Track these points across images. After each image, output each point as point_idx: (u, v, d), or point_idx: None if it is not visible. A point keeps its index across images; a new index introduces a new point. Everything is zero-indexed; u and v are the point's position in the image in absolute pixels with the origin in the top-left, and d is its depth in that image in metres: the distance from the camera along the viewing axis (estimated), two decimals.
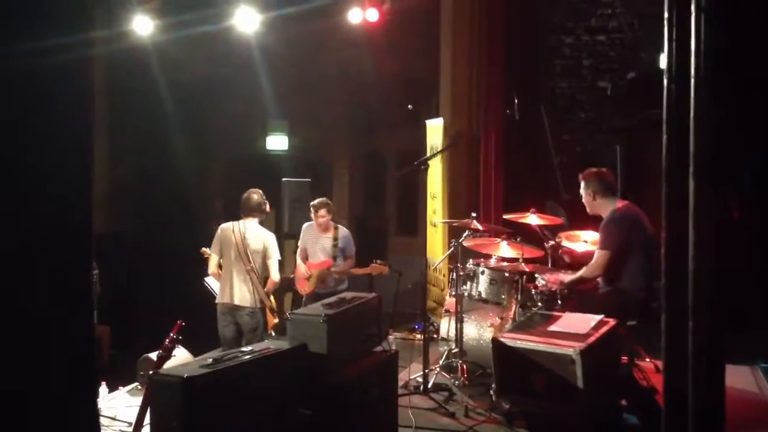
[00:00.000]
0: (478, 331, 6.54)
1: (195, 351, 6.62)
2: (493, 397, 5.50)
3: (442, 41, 9.08)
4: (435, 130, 8.93)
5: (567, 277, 6.06)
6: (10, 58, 2.50)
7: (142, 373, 6.47)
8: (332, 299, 4.92)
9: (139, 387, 6.41)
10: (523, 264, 6.36)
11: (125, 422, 5.56)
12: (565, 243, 6.75)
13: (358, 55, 10.35)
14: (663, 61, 7.03)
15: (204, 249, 7.16)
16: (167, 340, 4.36)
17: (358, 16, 8.89)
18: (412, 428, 5.31)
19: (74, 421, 2.84)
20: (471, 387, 6.20)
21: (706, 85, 1.80)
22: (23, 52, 2.54)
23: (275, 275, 6.71)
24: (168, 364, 4.37)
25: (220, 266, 6.78)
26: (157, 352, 4.45)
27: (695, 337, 1.82)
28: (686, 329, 1.85)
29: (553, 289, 5.95)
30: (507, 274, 6.44)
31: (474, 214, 6.87)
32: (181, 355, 5.97)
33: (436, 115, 9.09)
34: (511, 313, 6.33)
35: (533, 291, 6.12)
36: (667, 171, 1.94)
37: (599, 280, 5.90)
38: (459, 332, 6.45)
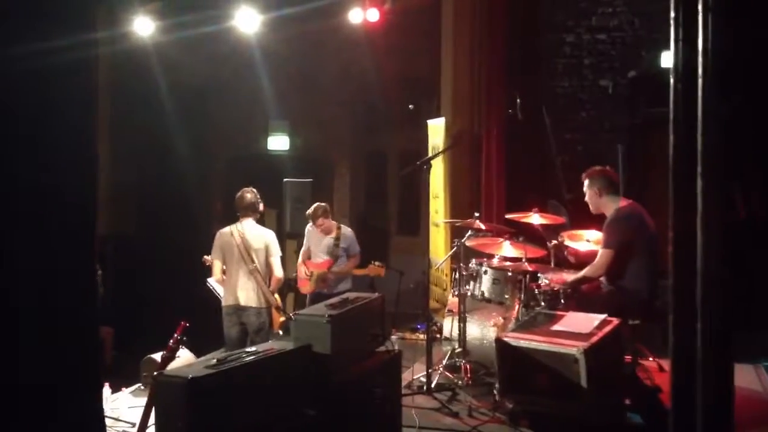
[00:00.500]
0: (481, 330, 6.53)
1: (198, 352, 6.62)
2: (497, 397, 5.50)
3: (443, 41, 9.08)
4: (436, 130, 8.92)
5: (570, 276, 6.05)
6: (13, 58, 2.50)
7: (145, 373, 6.47)
8: (335, 299, 4.91)
9: (142, 388, 6.41)
10: (526, 263, 6.35)
11: (128, 423, 5.57)
12: (567, 242, 6.75)
13: (359, 55, 10.36)
14: (665, 60, 7.05)
15: (206, 257, 7.13)
16: (171, 341, 4.36)
17: (359, 16, 8.90)
18: (415, 428, 5.31)
19: (79, 420, 2.84)
20: (474, 387, 6.20)
21: (714, 84, 1.80)
22: (27, 52, 2.54)
23: (279, 272, 6.72)
24: (172, 365, 4.37)
25: (224, 271, 6.77)
26: (160, 353, 4.44)
27: (704, 338, 1.82)
28: (694, 330, 1.85)
29: (556, 289, 5.95)
30: (510, 274, 6.43)
31: (477, 214, 6.87)
32: (184, 356, 5.97)
33: (438, 115, 9.09)
34: (514, 312, 6.32)
35: (536, 290, 6.11)
36: (675, 170, 1.93)
37: (602, 279, 5.90)
38: (462, 332, 6.45)
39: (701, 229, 1.81)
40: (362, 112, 11.69)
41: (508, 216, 7.30)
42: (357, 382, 4.53)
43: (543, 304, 5.99)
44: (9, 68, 2.50)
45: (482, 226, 6.73)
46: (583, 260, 6.28)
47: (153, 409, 3.79)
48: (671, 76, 1.95)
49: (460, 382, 6.26)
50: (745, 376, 6.23)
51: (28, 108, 2.61)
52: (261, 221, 6.94)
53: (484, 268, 6.57)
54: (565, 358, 4.61)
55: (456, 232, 7.46)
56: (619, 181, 6.14)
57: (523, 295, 6.28)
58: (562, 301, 5.88)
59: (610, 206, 5.86)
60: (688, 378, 1.87)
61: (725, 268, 1.81)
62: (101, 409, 3.38)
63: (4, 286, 2.54)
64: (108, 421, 5.51)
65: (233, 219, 6.89)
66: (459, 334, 6.48)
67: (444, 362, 6.60)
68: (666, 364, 6.29)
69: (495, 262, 6.70)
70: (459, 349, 6.49)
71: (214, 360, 3.75)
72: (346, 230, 7.92)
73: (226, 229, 6.75)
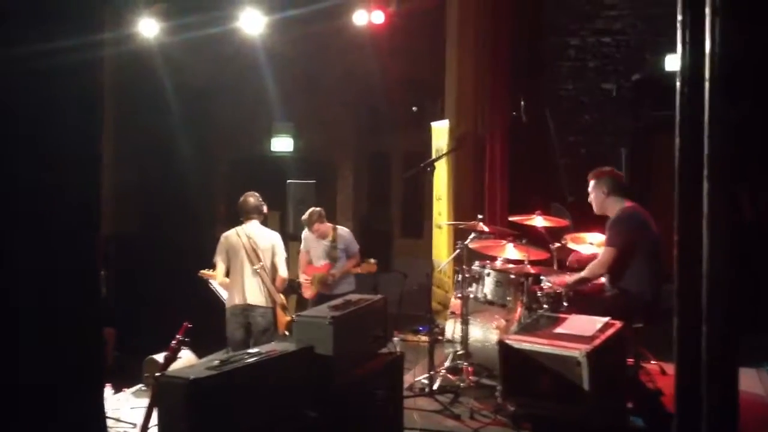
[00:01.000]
0: (484, 333, 6.52)
1: (200, 353, 6.62)
2: (499, 400, 5.49)
3: (447, 43, 9.08)
4: (440, 132, 8.92)
5: (572, 277, 6.03)
6: (18, 59, 2.51)
7: (146, 374, 6.47)
8: (338, 301, 4.91)
9: (144, 388, 6.41)
10: (528, 266, 6.34)
11: (130, 423, 5.56)
12: (570, 245, 6.74)
13: (364, 57, 10.36)
14: (669, 63, 7.02)
15: (202, 272, 7.12)
16: (173, 341, 4.36)
17: (363, 18, 8.90)
18: (417, 430, 5.30)
19: (80, 420, 2.84)
20: (476, 389, 6.19)
21: (721, 88, 1.80)
22: (31, 53, 2.54)
23: (283, 272, 6.73)
24: (174, 366, 4.37)
25: (226, 274, 6.76)
26: (163, 354, 4.45)
27: (709, 341, 1.81)
28: (699, 333, 1.84)
29: (559, 291, 5.94)
30: (513, 276, 6.42)
31: (480, 216, 6.86)
32: (186, 357, 5.97)
33: (442, 117, 9.09)
34: (517, 315, 6.31)
35: (539, 293, 6.10)
36: (680, 173, 1.93)
37: (605, 282, 5.89)
38: (464, 334, 6.44)
39: (707, 231, 1.80)
40: (366, 113, 11.70)
41: (511, 218, 7.29)
42: (359, 383, 4.52)
43: (545, 306, 5.97)
44: (13, 68, 2.51)
45: (485, 229, 6.72)
46: (585, 264, 6.26)
47: (155, 409, 3.79)
48: (678, 79, 1.95)
49: (462, 384, 6.25)
50: (747, 380, 6.22)
51: (31, 108, 2.61)
52: (264, 223, 6.94)
53: (486, 271, 6.56)
54: (568, 361, 4.60)
55: (459, 235, 7.46)
56: (625, 184, 6.12)
57: (525, 298, 6.27)
58: (565, 303, 5.87)
59: (614, 207, 5.85)
60: (693, 381, 1.86)
61: (731, 271, 1.81)
62: (102, 409, 3.38)
63: (4, 286, 2.54)
64: (109, 422, 5.51)
65: (236, 220, 6.89)
66: (461, 337, 6.47)
67: (446, 364, 6.59)
68: (668, 367, 6.28)
69: (498, 264, 6.69)
70: (461, 352, 6.48)
71: (217, 361, 3.75)
72: (342, 230, 7.90)
73: (231, 231, 6.76)
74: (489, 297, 6.52)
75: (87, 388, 2.96)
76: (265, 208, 6.90)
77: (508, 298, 6.46)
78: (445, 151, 8.44)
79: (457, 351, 6.57)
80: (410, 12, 9.19)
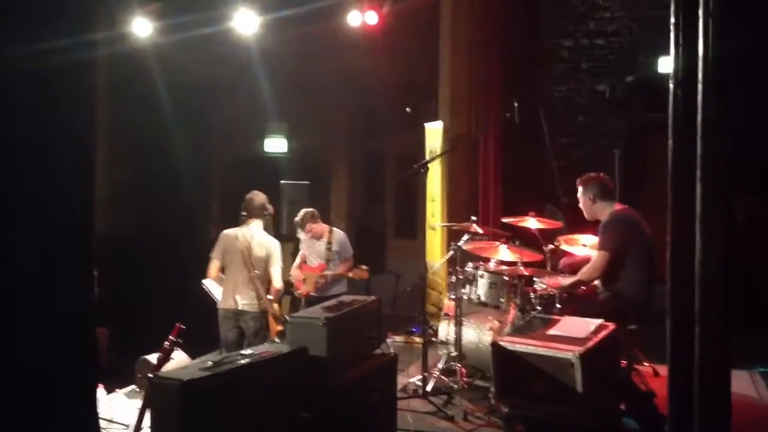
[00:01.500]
0: (477, 334, 6.53)
1: (193, 353, 6.60)
2: (492, 401, 5.49)
3: (441, 44, 9.09)
4: (434, 133, 8.93)
5: (566, 280, 6.05)
6: (13, 59, 2.50)
7: (140, 375, 6.45)
8: (332, 302, 4.91)
9: (137, 389, 6.39)
10: (522, 267, 6.35)
11: (123, 424, 5.55)
12: (563, 246, 6.75)
13: (358, 57, 10.35)
14: (662, 65, 7.05)
15: (204, 282, 7.10)
16: (166, 342, 4.35)
17: (357, 18, 8.89)
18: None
19: (79, 420, 2.84)
20: (470, 390, 6.19)
21: (714, 90, 1.80)
22: (27, 53, 2.54)
23: (278, 282, 6.67)
24: (167, 367, 4.36)
25: (221, 270, 6.74)
26: (156, 355, 4.43)
27: (702, 343, 1.82)
28: (692, 335, 1.85)
29: (552, 293, 5.95)
30: (506, 278, 6.43)
31: (474, 218, 6.87)
32: (179, 358, 5.95)
33: (435, 118, 9.09)
34: (510, 316, 6.32)
35: (532, 294, 6.11)
36: (673, 175, 1.94)
37: (598, 284, 5.90)
38: (458, 336, 6.45)
39: (700, 233, 1.81)
40: (360, 115, 11.69)
41: (504, 220, 7.31)
42: (353, 385, 4.52)
43: (539, 308, 5.98)
44: (9, 68, 2.50)
45: (479, 230, 6.73)
46: (577, 269, 6.27)
47: (148, 410, 3.78)
48: (671, 81, 1.95)
49: (455, 385, 6.25)
50: (739, 382, 6.23)
51: (28, 108, 2.60)
52: (268, 223, 6.90)
53: (480, 272, 6.57)
54: (561, 363, 4.60)
55: (453, 236, 7.47)
56: (614, 187, 6.14)
57: (519, 299, 6.28)
58: (558, 305, 5.88)
59: (604, 211, 5.87)
60: (686, 383, 1.87)
61: (723, 273, 1.82)
62: (96, 410, 3.37)
63: (4, 287, 2.54)
64: (102, 423, 5.49)
65: (231, 220, 6.86)
66: (455, 338, 6.48)
67: (440, 366, 6.59)
68: (661, 368, 6.30)
69: (491, 265, 6.70)
70: (455, 353, 6.48)
71: (210, 362, 3.74)
72: (338, 233, 7.91)
73: (231, 232, 6.69)
74: (482, 298, 6.53)
75: (84, 388, 2.96)
76: (270, 209, 6.88)
77: (501, 300, 6.47)
78: (438, 152, 8.45)
79: (451, 352, 6.57)
80: (404, 13, 9.19)
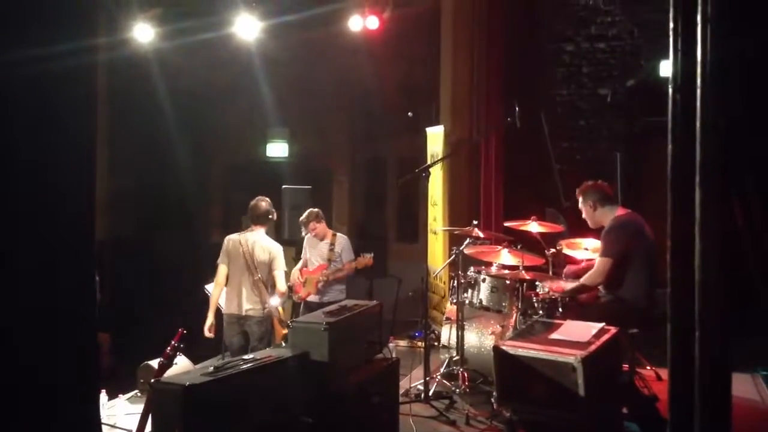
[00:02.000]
0: (479, 338, 6.53)
1: (195, 359, 6.61)
2: (494, 405, 5.48)
3: (442, 49, 9.10)
4: (435, 138, 8.94)
5: (569, 284, 6.05)
6: (13, 64, 2.51)
7: (142, 380, 6.46)
8: (333, 307, 4.91)
9: (139, 394, 6.40)
10: (523, 272, 6.35)
11: (125, 430, 5.55)
12: (565, 250, 6.75)
13: (359, 62, 10.37)
14: (664, 69, 7.05)
15: (207, 287, 7.11)
16: (169, 347, 4.35)
17: (358, 23, 8.91)
18: None
19: (80, 421, 2.84)
20: (472, 395, 6.19)
21: (712, 94, 1.81)
22: (27, 58, 2.54)
23: (282, 286, 6.69)
24: (169, 372, 4.36)
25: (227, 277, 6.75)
26: (158, 360, 4.44)
27: (702, 346, 1.82)
28: (692, 339, 1.85)
29: (554, 297, 5.94)
30: (508, 282, 6.43)
31: (475, 222, 6.87)
32: (181, 363, 5.96)
33: (437, 123, 9.10)
34: (512, 320, 6.32)
35: (534, 299, 6.11)
36: (673, 180, 1.94)
37: (600, 288, 5.90)
38: (460, 340, 6.45)
39: (699, 238, 1.81)
40: (361, 119, 11.70)
41: (506, 224, 7.31)
42: (354, 389, 4.52)
43: (541, 312, 5.98)
44: (9, 73, 2.51)
45: (480, 234, 6.73)
46: (580, 273, 6.27)
47: (150, 415, 3.78)
48: (670, 85, 1.96)
49: (457, 390, 6.25)
50: (741, 385, 6.23)
51: (28, 113, 2.61)
52: (270, 227, 6.91)
53: (482, 276, 6.57)
54: (563, 367, 4.60)
55: (454, 240, 7.47)
56: (613, 192, 6.13)
57: (521, 304, 6.28)
58: (560, 309, 5.88)
59: (606, 217, 5.87)
60: (686, 386, 1.87)
61: (724, 276, 1.82)
62: (98, 414, 3.37)
63: (5, 291, 2.54)
64: (104, 428, 5.50)
65: (232, 224, 6.88)
66: (457, 342, 6.48)
67: (442, 370, 6.60)
68: (663, 372, 6.29)
69: (493, 270, 6.70)
70: (457, 357, 6.48)
71: (212, 367, 3.75)
72: (341, 237, 7.93)
73: (235, 237, 6.71)
74: (484, 303, 6.52)
75: (85, 390, 2.96)
76: (274, 215, 6.90)
77: (503, 304, 6.46)
78: (440, 156, 8.46)
79: (453, 357, 6.57)
80: (405, 18, 9.21)
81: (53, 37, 2.67)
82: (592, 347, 4.76)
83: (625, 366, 5.76)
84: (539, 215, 7.02)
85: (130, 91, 10.39)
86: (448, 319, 6.86)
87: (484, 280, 6.55)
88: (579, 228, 6.82)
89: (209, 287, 7.09)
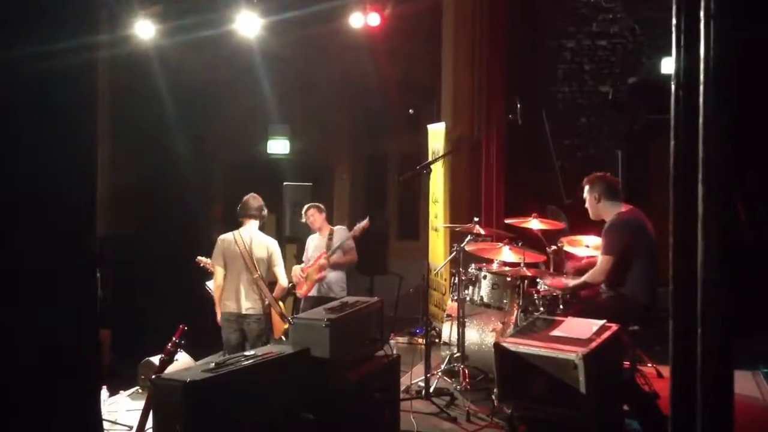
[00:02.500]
0: (480, 335, 6.53)
1: (196, 355, 6.61)
2: (495, 402, 5.48)
3: (443, 46, 9.09)
4: (436, 135, 8.93)
5: (571, 281, 6.04)
6: (15, 61, 2.51)
7: (143, 376, 6.47)
8: (334, 303, 4.91)
9: (140, 391, 6.41)
10: (524, 269, 6.35)
11: (126, 426, 5.56)
12: (566, 248, 6.74)
13: (360, 59, 10.37)
14: (665, 66, 7.02)
15: (199, 258, 7.11)
16: (170, 344, 4.35)
17: (359, 20, 8.90)
18: None
19: (81, 420, 2.84)
20: (473, 392, 6.19)
21: (715, 91, 1.80)
22: (28, 55, 2.54)
23: (283, 281, 6.69)
24: (170, 369, 4.36)
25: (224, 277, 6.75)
26: (159, 356, 4.44)
27: (704, 344, 1.82)
28: (694, 336, 1.84)
29: (555, 294, 5.94)
30: (509, 279, 6.43)
31: (476, 219, 6.87)
32: (182, 360, 5.96)
33: (438, 120, 9.10)
34: (513, 317, 6.32)
35: (535, 296, 6.10)
36: (675, 177, 1.94)
37: (601, 285, 5.89)
38: (461, 337, 6.44)
39: (702, 235, 1.81)
40: (362, 116, 11.70)
41: (507, 221, 7.30)
42: (355, 386, 4.52)
43: (542, 309, 5.97)
44: (10, 71, 2.51)
45: (481, 231, 6.73)
46: (582, 270, 6.26)
47: (151, 412, 3.78)
48: (672, 82, 1.95)
49: (458, 387, 6.25)
50: (743, 383, 6.23)
51: (29, 110, 2.61)
52: (261, 226, 6.92)
53: (483, 273, 6.57)
54: (564, 364, 4.60)
55: (455, 237, 7.46)
56: (620, 188, 6.11)
57: (521, 300, 6.28)
58: (561, 306, 5.87)
59: (609, 212, 5.85)
60: (688, 384, 1.87)
61: (726, 274, 1.81)
62: (99, 411, 3.38)
63: (5, 288, 2.54)
64: (105, 424, 5.50)
65: (233, 222, 6.87)
66: (458, 339, 6.48)
67: (442, 367, 6.60)
68: (664, 370, 6.29)
69: (494, 267, 6.70)
70: (458, 354, 6.48)
71: (213, 363, 3.75)
72: (339, 228, 7.97)
73: (229, 236, 6.67)
74: (485, 300, 6.52)
75: (86, 388, 2.96)
76: (265, 212, 6.88)
77: (504, 301, 6.47)
78: (441, 153, 8.45)
79: (454, 354, 6.57)
80: (406, 14, 9.20)
81: (54, 34, 2.67)
82: (594, 344, 4.76)
83: (626, 363, 5.76)
84: (540, 212, 7.01)
85: (131, 88, 10.39)
86: (448, 316, 6.85)
87: (485, 277, 6.55)
88: (580, 225, 6.82)
89: (210, 284, 7.09)
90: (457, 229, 7.25)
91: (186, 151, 10.58)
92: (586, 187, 5.97)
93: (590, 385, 4.51)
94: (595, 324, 5.10)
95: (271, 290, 6.71)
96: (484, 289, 6.53)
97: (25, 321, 2.60)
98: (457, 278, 6.68)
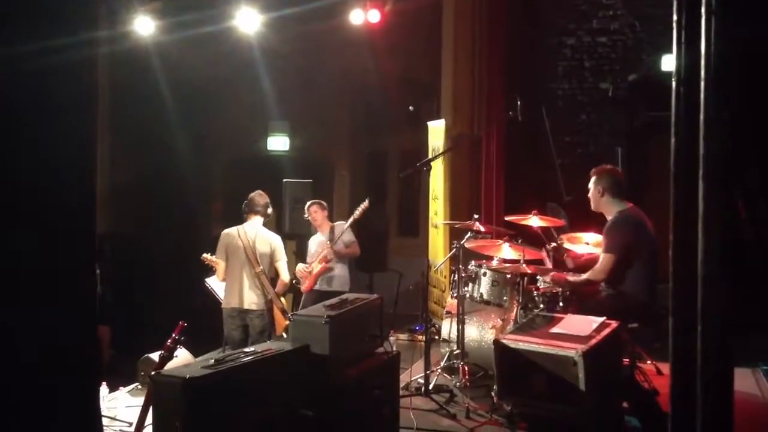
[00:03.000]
0: (480, 332, 6.53)
1: (196, 352, 6.61)
2: (495, 399, 5.49)
3: (443, 42, 9.08)
4: (437, 132, 8.92)
5: (573, 278, 6.03)
6: (14, 58, 2.50)
7: (142, 373, 6.46)
8: (334, 300, 4.91)
9: (140, 387, 6.40)
10: (524, 266, 6.35)
11: (125, 422, 5.56)
12: (566, 245, 6.74)
13: (360, 55, 10.36)
14: (665, 63, 7.01)
15: (204, 255, 7.11)
16: (169, 340, 4.35)
17: (359, 17, 8.89)
18: (413, 429, 5.30)
19: (81, 420, 2.84)
20: (472, 388, 6.19)
21: (716, 88, 1.80)
22: (27, 52, 2.54)
23: (285, 276, 6.71)
24: (169, 365, 4.37)
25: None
26: (158, 353, 4.44)
27: (704, 341, 1.82)
28: (694, 333, 1.84)
29: (555, 291, 5.94)
30: (509, 276, 6.43)
31: (476, 216, 6.86)
32: (182, 356, 5.96)
33: (438, 117, 9.09)
34: (513, 314, 6.32)
35: (535, 293, 6.10)
36: (676, 174, 1.93)
37: (602, 282, 5.89)
38: (460, 334, 6.44)
39: (702, 232, 1.81)
40: (362, 113, 11.69)
41: (507, 218, 7.29)
42: (355, 383, 4.52)
43: (541, 306, 5.97)
44: (10, 68, 2.50)
45: (481, 228, 6.72)
46: (581, 265, 6.27)
47: (150, 408, 3.78)
48: (673, 79, 1.95)
49: (458, 383, 6.25)
50: (742, 380, 6.23)
51: (29, 107, 2.60)
52: (263, 223, 6.92)
53: (483, 270, 6.56)
54: (564, 361, 4.60)
55: (455, 234, 7.46)
56: (626, 186, 6.09)
57: (521, 297, 6.28)
58: (561, 303, 5.87)
59: (610, 208, 5.84)
60: (688, 381, 1.86)
61: (726, 271, 1.81)
62: (99, 408, 3.37)
63: (4, 286, 2.54)
64: (105, 421, 5.50)
65: (233, 218, 6.87)
66: (457, 336, 6.47)
67: (442, 364, 6.60)
68: (664, 367, 6.29)
69: (494, 264, 6.69)
70: (457, 351, 6.48)
71: (212, 360, 3.74)
72: (339, 223, 7.98)
73: (233, 230, 6.69)
74: (485, 296, 6.53)
75: (85, 387, 2.96)
76: (270, 210, 6.89)
77: (504, 298, 6.47)
78: (441, 150, 8.45)
79: (453, 350, 6.57)
80: (406, 11, 9.19)
81: (54, 30, 2.66)
82: (593, 341, 4.76)
83: (626, 360, 5.76)
84: (540, 209, 7.01)
85: (130, 85, 10.39)
86: (448, 312, 6.85)
87: (484, 274, 6.55)
88: (580, 222, 6.82)
89: (209, 280, 7.09)
90: (457, 226, 7.25)
91: (186, 148, 10.58)
92: (593, 178, 5.95)
93: (590, 382, 4.52)
94: (595, 321, 5.10)
95: (273, 286, 6.71)
96: (484, 286, 6.53)
97: (25, 320, 2.59)
98: (456, 275, 6.68)
